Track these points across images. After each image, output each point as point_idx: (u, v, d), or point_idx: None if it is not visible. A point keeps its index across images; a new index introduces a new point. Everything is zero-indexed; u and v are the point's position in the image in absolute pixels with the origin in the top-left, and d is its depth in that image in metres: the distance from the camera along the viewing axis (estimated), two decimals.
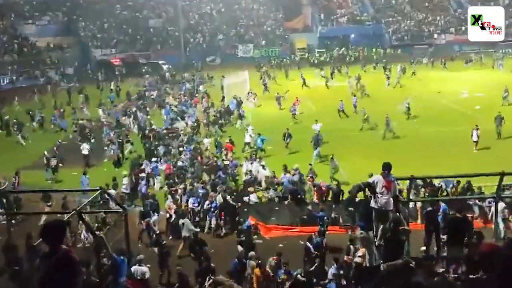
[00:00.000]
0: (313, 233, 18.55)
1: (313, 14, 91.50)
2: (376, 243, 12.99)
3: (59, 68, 73.64)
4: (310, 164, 27.98)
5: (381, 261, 12.47)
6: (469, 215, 17.06)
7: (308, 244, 17.75)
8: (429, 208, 15.57)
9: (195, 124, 41.04)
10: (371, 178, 12.83)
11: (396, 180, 12.73)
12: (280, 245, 20.20)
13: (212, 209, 22.94)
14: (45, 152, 32.48)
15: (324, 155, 31.85)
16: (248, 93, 50.59)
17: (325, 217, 20.56)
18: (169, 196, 24.36)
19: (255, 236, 20.68)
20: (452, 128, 37.12)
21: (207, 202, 23.10)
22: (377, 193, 12.48)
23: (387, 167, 12.62)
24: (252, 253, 17.06)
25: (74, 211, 13.60)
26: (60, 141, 36.42)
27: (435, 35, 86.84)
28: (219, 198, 23.21)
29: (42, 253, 6.54)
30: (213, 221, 22.90)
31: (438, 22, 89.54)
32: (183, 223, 20.93)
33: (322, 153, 32.24)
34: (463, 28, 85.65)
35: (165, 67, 74.74)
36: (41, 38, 76.38)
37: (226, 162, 30.30)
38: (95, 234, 14.50)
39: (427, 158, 30.56)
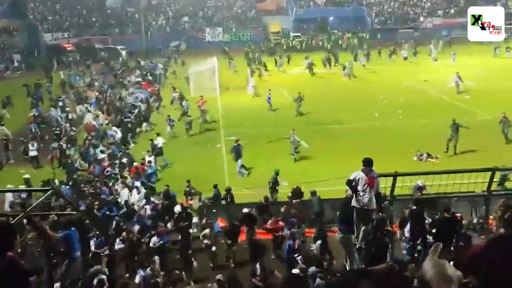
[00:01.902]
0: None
1: None
2: (357, 245, 13.10)
3: (5, 54, 72.45)
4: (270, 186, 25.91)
5: (363, 266, 12.61)
6: (458, 214, 17.27)
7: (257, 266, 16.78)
8: (414, 207, 15.71)
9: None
10: (352, 174, 12.91)
11: (378, 177, 12.85)
12: None
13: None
14: None
15: (249, 167, 30.86)
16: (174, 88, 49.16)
17: (296, 223, 20.71)
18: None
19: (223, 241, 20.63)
20: (438, 120, 37.38)
21: (155, 239, 19.20)
22: (359, 191, 12.57)
23: (368, 163, 12.72)
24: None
25: (23, 214, 13.41)
26: None
27: (421, 18, 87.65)
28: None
29: None
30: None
31: (424, 4, 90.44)
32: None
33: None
34: (452, 10, 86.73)
35: (124, 52, 74.09)
36: None
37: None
38: (49, 238, 14.33)
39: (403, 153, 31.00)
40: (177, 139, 36.99)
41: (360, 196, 12.54)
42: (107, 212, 22.51)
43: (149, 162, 29.91)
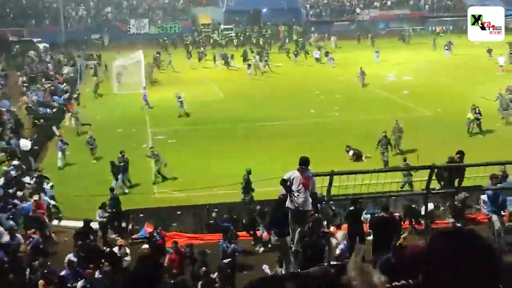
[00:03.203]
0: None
1: None
2: (293, 248, 13.19)
3: None
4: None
5: (299, 270, 12.72)
6: (397, 214, 17.66)
7: None
8: (352, 207, 15.98)
9: None
10: (286, 174, 12.99)
11: (314, 176, 12.96)
12: None
13: None
14: None
15: (136, 183, 28.96)
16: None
17: (231, 228, 20.77)
18: None
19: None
20: (377, 117, 38.00)
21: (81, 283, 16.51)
22: (293, 191, 12.65)
23: (304, 162, 12.82)
24: None
25: None
26: None
27: (358, 10, 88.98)
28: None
29: None
30: None
31: None
32: None
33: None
34: (389, 2, 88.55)
35: (41, 46, 72.38)
36: None
37: None
38: None
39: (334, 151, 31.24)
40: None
41: (295, 196, 12.61)
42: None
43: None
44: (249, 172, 24.81)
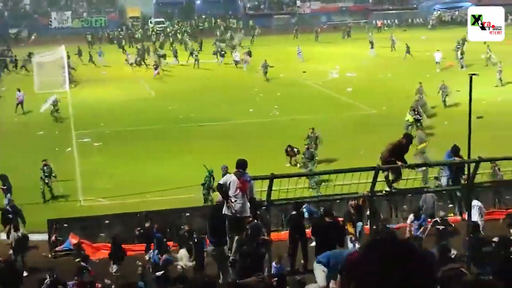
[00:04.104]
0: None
1: None
2: (231, 258, 13.19)
3: None
4: None
5: (237, 280, 12.76)
6: (340, 219, 17.83)
7: None
8: (293, 212, 16.08)
9: None
10: (223, 178, 12.99)
11: (252, 180, 12.98)
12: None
13: None
14: None
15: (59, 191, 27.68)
16: None
17: (164, 239, 20.71)
18: None
19: (78, 260, 20.14)
20: (319, 116, 38.31)
21: None
22: (230, 196, 12.63)
23: (241, 165, 12.83)
24: None
25: None
26: None
27: (298, 3, 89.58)
28: None
29: None
30: None
31: None
32: None
33: None
34: None
35: None
36: None
37: None
38: None
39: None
40: None
41: (232, 202, 12.58)
42: None
43: None
44: (211, 173, 24.78)
